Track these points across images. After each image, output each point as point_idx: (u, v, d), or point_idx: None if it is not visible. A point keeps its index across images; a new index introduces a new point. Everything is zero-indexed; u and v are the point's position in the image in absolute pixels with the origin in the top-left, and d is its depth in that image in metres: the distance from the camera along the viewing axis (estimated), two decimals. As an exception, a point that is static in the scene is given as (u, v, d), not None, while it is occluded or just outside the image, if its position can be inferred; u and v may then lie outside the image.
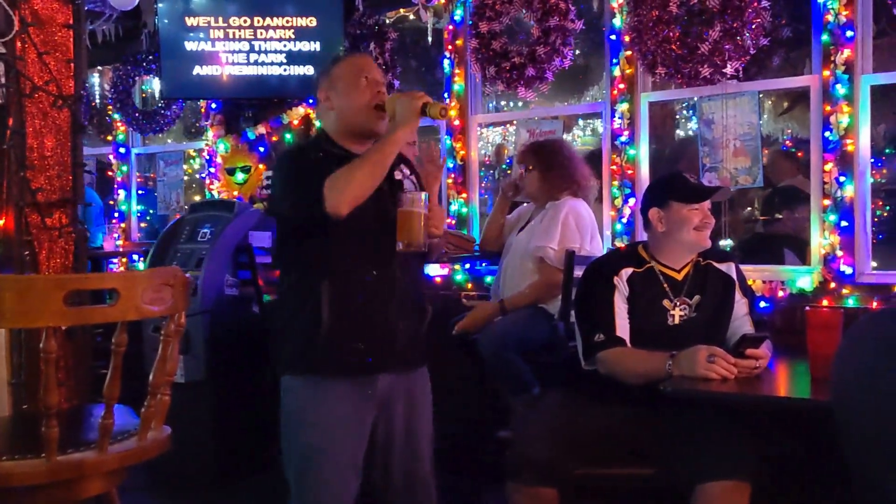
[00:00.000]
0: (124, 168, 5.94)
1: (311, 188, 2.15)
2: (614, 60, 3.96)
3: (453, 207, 4.50)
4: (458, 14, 4.44)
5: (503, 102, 5.16)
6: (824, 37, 3.41)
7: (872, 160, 3.52)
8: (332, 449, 2.25)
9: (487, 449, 3.46)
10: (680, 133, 5.46)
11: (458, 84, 4.48)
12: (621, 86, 3.94)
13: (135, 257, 5.59)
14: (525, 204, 3.84)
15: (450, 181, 4.52)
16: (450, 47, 4.50)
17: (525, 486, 2.43)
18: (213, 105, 5.23)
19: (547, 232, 3.41)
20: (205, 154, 5.37)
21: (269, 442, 4.07)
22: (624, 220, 3.91)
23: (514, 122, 4.67)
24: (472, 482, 3.57)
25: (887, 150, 5.28)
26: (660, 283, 2.63)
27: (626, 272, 2.62)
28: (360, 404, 2.30)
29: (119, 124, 5.84)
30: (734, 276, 2.70)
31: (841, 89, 3.35)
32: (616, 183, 3.94)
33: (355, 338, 2.27)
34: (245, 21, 4.69)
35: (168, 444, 2.10)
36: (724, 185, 3.67)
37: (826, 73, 3.40)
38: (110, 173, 6.08)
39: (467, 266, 4.31)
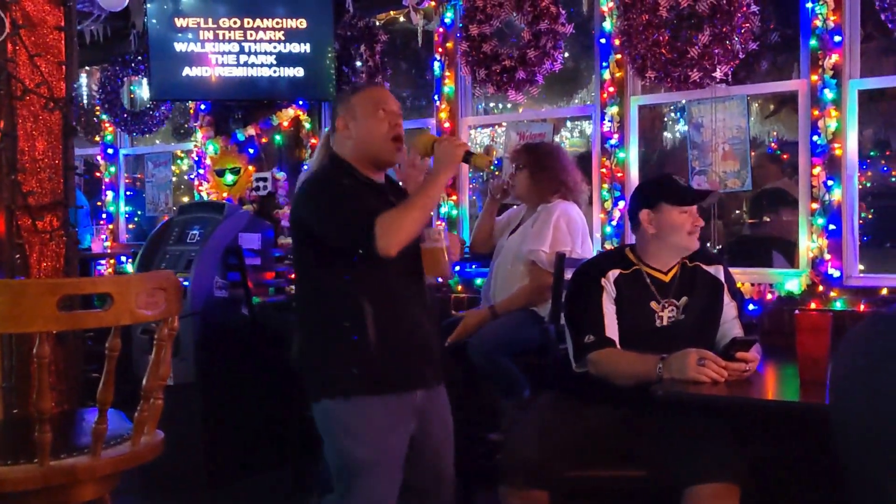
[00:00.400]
0: (112, 169, 5.91)
1: (357, 220, 2.22)
2: (604, 64, 3.98)
3: (443, 209, 4.51)
4: (449, 16, 4.45)
5: (493, 105, 5.17)
6: (812, 41, 3.43)
7: (859, 164, 3.55)
8: (379, 461, 2.31)
9: (478, 451, 3.47)
10: (669, 136, 5.48)
11: (449, 86, 4.48)
12: (611, 89, 3.96)
13: (123, 259, 5.57)
14: (515, 206, 3.85)
15: (440, 183, 4.52)
16: (440, 50, 4.50)
17: (516, 489, 2.44)
18: (203, 106, 5.21)
19: (538, 235, 3.42)
20: (194, 155, 5.35)
21: (259, 444, 4.07)
22: (613, 223, 3.93)
23: (504, 124, 4.68)
24: (464, 485, 3.57)
25: (874, 154, 5.32)
26: (647, 285, 2.64)
27: (613, 274, 2.64)
28: (403, 418, 2.36)
29: (107, 125, 5.81)
30: (722, 278, 2.71)
31: (829, 94, 3.38)
32: (605, 186, 3.96)
33: (401, 355, 2.35)
34: (235, 22, 4.68)
35: (161, 448, 2.10)
36: (713, 188, 3.69)
37: (814, 77, 3.43)
38: (98, 174, 6.05)
39: (457, 268, 4.31)
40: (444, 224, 2.44)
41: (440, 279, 2.39)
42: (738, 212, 4.78)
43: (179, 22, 4.70)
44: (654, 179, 2.86)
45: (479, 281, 4.24)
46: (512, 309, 3.45)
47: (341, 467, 2.35)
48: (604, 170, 3.97)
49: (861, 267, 3.47)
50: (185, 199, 5.63)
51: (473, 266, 4.27)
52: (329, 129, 2.53)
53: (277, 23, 4.66)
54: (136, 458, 1.99)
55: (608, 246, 3.86)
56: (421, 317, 2.41)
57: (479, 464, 3.32)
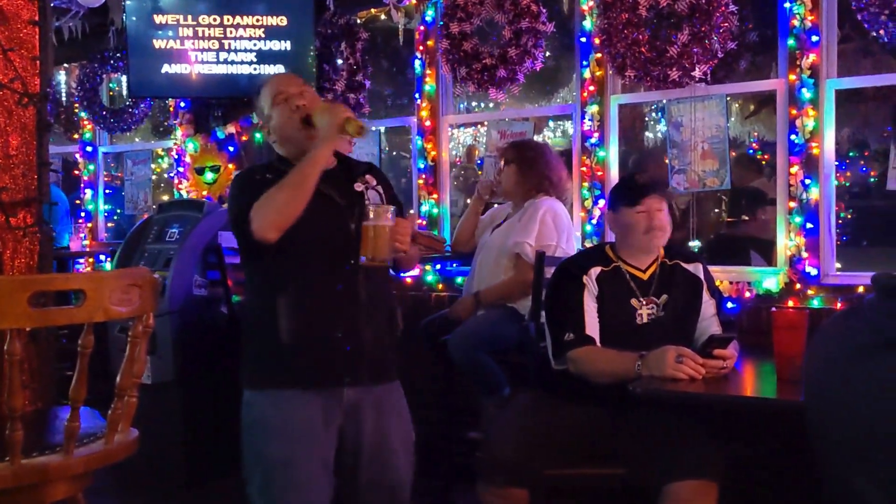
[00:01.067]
0: (91, 167, 5.86)
1: (237, 212, 2.19)
2: (584, 63, 3.98)
3: (424, 208, 4.50)
4: (430, 15, 4.44)
5: (474, 103, 5.17)
6: (790, 41, 3.46)
7: (837, 163, 3.58)
8: (295, 461, 2.22)
9: (458, 450, 3.47)
10: (649, 135, 5.51)
11: (430, 84, 4.48)
12: (591, 88, 3.96)
13: (102, 257, 5.52)
14: (498, 205, 3.85)
15: (421, 181, 4.52)
16: (421, 48, 4.50)
17: (496, 487, 2.44)
18: (182, 104, 5.18)
19: (525, 229, 3.43)
20: (173, 153, 5.31)
21: (238, 444, 4.04)
22: (594, 222, 3.94)
23: (485, 122, 4.68)
24: (443, 483, 3.57)
25: (851, 154, 5.37)
26: (627, 283, 2.65)
27: (595, 271, 2.64)
28: (326, 413, 2.27)
29: (86, 122, 5.76)
30: (702, 276, 2.73)
31: (806, 93, 3.41)
32: (586, 184, 3.96)
33: (317, 350, 2.26)
34: (215, 20, 4.65)
35: (135, 446, 2.08)
36: (692, 187, 3.71)
37: (792, 77, 3.45)
38: (77, 172, 5.99)
39: (438, 266, 4.31)
40: (393, 207, 2.30)
41: (376, 261, 2.21)
42: (717, 210, 4.81)
43: (159, 19, 4.67)
44: (617, 182, 2.91)
45: (459, 280, 4.23)
46: (494, 298, 3.46)
47: (255, 465, 2.28)
48: (584, 168, 3.98)
49: (838, 265, 3.50)
50: (165, 198, 5.59)
51: (454, 264, 4.27)
52: None
53: (258, 20, 4.64)
54: (109, 457, 1.97)
55: (588, 244, 3.87)
56: (349, 311, 2.29)
57: (459, 462, 3.32)
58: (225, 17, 4.65)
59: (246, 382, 2.34)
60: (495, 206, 3.88)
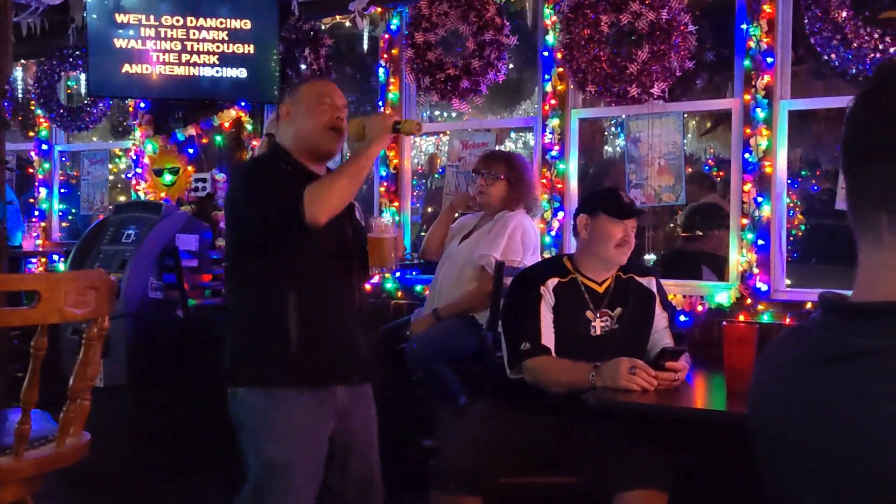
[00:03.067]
0: (46, 165, 5.76)
1: (287, 196, 2.21)
2: (546, 76, 4.03)
3: (385, 216, 4.51)
4: (395, 23, 4.46)
5: (437, 112, 5.19)
6: (746, 62, 3.54)
7: (789, 182, 3.67)
8: (296, 461, 2.28)
9: (413, 458, 3.48)
10: (609, 149, 5.58)
11: (393, 93, 4.49)
12: (553, 101, 4.01)
13: (55, 258, 5.43)
14: (466, 214, 3.88)
15: (382, 189, 4.53)
16: (385, 56, 4.51)
17: (449, 495, 2.46)
18: (142, 104, 5.13)
19: (493, 242, 3.47)
20: (132, 154, 5.25)
21: (191, 448, 4.00)
22: (553, 233, 3.98)
23: (448, 132, 4.70)
24: (397, 490, 3.58)
25: (804, 173, 5.49)
26: (582, 295, 2.70)
27: (552, 282, 2.68)
28: (322, 416, 2.34)
29: (42, 120, 5.67)
30: (655, 289, 2.78)
31: (761, 113, 3.49)
32: (546, 196, 4.01)
33: (323, 350, 2.33)
34: (177, 21, 4.62)
35: (87, 450, 2.06)
36: (648, 202, 3.78)
37: (747, 96, 3.53)
38: (31, 170, 5.88)
39: (397, 274, 4.32)
40: (391, 216, 2.45)
41: (386, 270, 2.38)
42: (671, 225, 4.89)
43: (120, 18, 4.61)
44: (600, 189, 2.96)
45: (419, 287, 4.25)
46: (455, 312, 3.48)
47: (255, 466, 2.31)
48: (544, 180, 4.02)
49: (788, 281, 3.59)
50: (122, 199, 5.50)
51: (414, 273, 4.28)
52: (272, 115, 2.55)
53: (221, 23, 4.61)
54: (60, 460, 1.95)
55: (547, 255, 3.91)
56: (348, 315, 2.40)
57: (413, 470, 3.33)
58: (188, 19, 4.61)
59: (243, 380, 2.34)
60: (464, 215, 3.91)
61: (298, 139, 2.41)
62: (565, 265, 2.76)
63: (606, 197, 2.79)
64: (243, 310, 2.40)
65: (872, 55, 3.18)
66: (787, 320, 3.38)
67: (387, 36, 4.50)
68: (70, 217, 5.86)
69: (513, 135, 5.68)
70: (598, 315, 2.69)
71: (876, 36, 3.18)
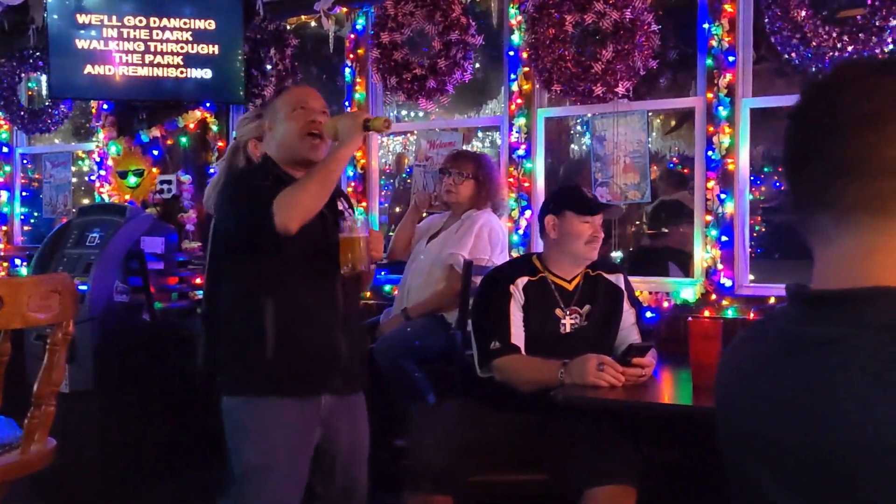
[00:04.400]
0: (7, 168, 5.66)
1: (259, 206, 2.19)
2: (512, 76, 4.05)
3: (358, 216, 4.49)
4: (360, 23, 4.45)
5: (404, 112, 5.20)
6: (708, 61, 3.59)
7: (752, 178, 3.73)
8: (273, 464, 2.26)
9: (384, 458, 3.47)
10: (575, 148, 5.62)
11: (360, 93, 4.49)
12: (519, 101, 4.04)
13: (17, 262, 5.34)
14: (433, 214, 3.89)
15: (350, 189, 4.52)
16: (351, 56, 4.50)
17: (420, 494, 2.47)
18: (105, 106, 5.06)
19: (461, 241, 3.49)
20: (95, 156, 5.18)
21: (159, 453, 3.97)
22: (520, 232, 4.01)
23: (415, 132, 4.71)
24: (369, 491, 3.57)
25: (766, 169, 5.58)
26: (552, 293, 2.72)
27: (522, 281, 2.70)
28: (304, 422, 2.32)
29: (2, 122, 5.57)
30: (623, 286, 2.81)
31: (723, 111, 3.54)
32: (513, 195, 4.03)
33: (300, 357, 2.31)
34: (140, 21, 4.57)
35: (52, 456, 2.04)
36: (614, 199, 3.82)
37: (710, 95, 3.58)
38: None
39: (382, 274, 4.31)
40: (364, 217, 2.41)
41: (356, 271, 2.33)
42: (638, 223, 4.94)
43: (81, 18, 4.55)
44: (563, 188, 2.97)
45: (388, 287, 4.25)
46: (425, 311, 3.49)
47: (236, 466, 2.31)
48: (511, 179, 4.04)
49: (752, 277, 3.64)
50: (86, 201, 5.43)
51: (383, 273, 4.28)
52: (233, 141, 2.56)
53: (185, 23, 4.57)
54: (25, 467, 1.92)
55: (515, 254, 3.93)
56: (329, 320, 2.37)
57: (384, 470, 3.33)
58: (151, 19, 4.57)
59: (226, 388, 2.33)
60: (431, 214, 3.92)
61: (279, 148, 2.41)
62: (534, 264, 2.78)
63: (570, 195, 2.80)
64: (223, 316, 2.38)
65: (831, 54, 3.24)
66: (751, 315, 3.43)
67: (353, 36, 4.49)
68: (32, 221, 5.77)
69: (480, 134, 5.70)
70: (568, 313, 2.71)
71: (834, 35, 3.24)
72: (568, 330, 2.71)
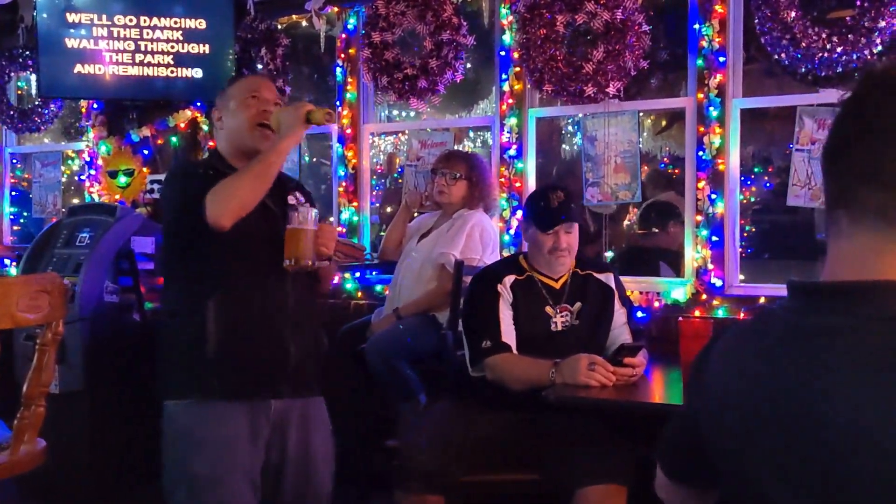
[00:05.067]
0: (-4, 168, 5.64)
1: (191, 199, 2.11)
2: (504, 76, 4.06)
3: (344, 216, 4.50)
4: (352, 23, 4.45)
5: (395, 112, 5.19)
6: (699, 61, 3.60)
7: (742, 179, 3.74)
8: (223, 476, 2.17)
9: (376, 458, 3.48)
10: (566, 148, 5.63)
11: (351, 93, 4.48)
12: (510, 101, 4.04)
13: (7, 262, 5.32)
14: (423, 213, 3.89)
15: (341, 189, 4.52)
16: (342, 56, 4.50)
17: (412, 494, 2.47)
18: (95, 105, 5.04)
19: (452, 241, 3.49)
20: (85, 155, 5.16)
21: (150, 455, 3.95)
22: (512, 232, 4.01)
23: (406, 132, 4.71)
24: (361, 491, 3.58)
25: (757, 170, 5.60)
26: (540, 291, 2.73)
27: (510, 279, 2.71)
28: (254, 426, 2.23)
29: (-9, 122, 5.54)
30: (613, 285, 2.82)
31: (713, 111, 3.55)
32: (504, 195, 4.03)
33: (244, 358, 2.22)
34: (131, 20, 4.55)
35: (42, 457, 2.03)
36: (605, 199, 3.82)
37: (700, 95, 3.59)
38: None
39: (357, 274, 4.31)
40: (316, 210, 2.31)
41: (300, 265, 2.21)
42: (628, 222, 4.95)
43: (71, 17, 4.54)
44: (531, 197, 2.87)
45: (379, 287, 4.24)
46: (417, 311, 3.49)
47: (179, 480, 2.20)
48: (503, 179, 4.04)
49: (742, 277, 3.65)
50: (76, 201, 5.41)
51: (374, 272, 4.28)
52: None
53: (175, 22, 4.56)
54: (15, 468, 1.92)
55: (507, 254, 3.93)
56: (277, 321, 2.26)
57: (376, 470, 3.33)
58: (141, 18, 4.55)
59: (168, 393, 2.25)
60: (422, 214, 3.92)
61: (229, 140, 2.33)
62: (521, 263, 2.79)
63: (533, 206, 2.76)
64: (168, 316, 2.31)
65: (820, 54, 3.26)
66: (742, 315, 3.44)
67: (344, 35, 4.48)
68: (22, 221, 5.74)
69: (471, 134, 5.71)
70: (558, 310, 2.72)
71: (824, 35, 3.25)
72: (559, 328, 2.72)
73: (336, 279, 4.33)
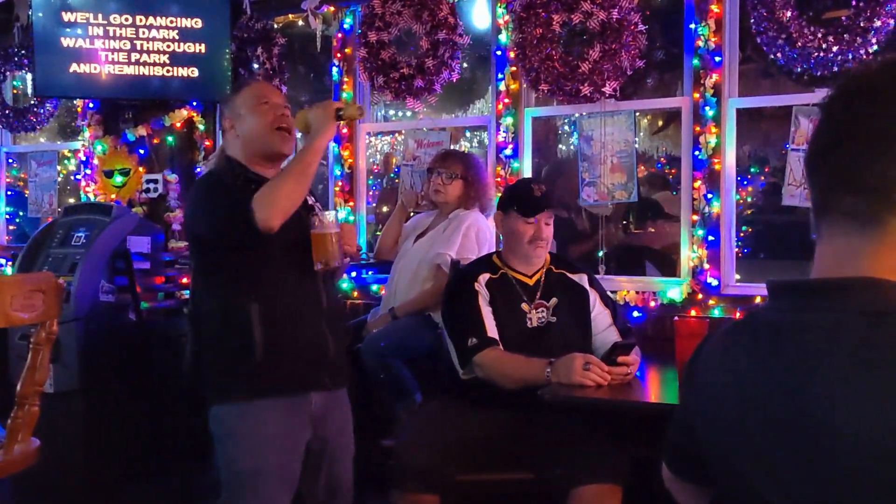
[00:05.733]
0: (-8, 167, 5.63)
1: (235, 207, 2.16)
2: (500, 76, 4.06)
3: (340, 215, 4.49)
4: (348, 22, 4.45)
5: (391, 111, 5.19)
6: (695, 61, 3.60)
7: (738, 178, 3.74)
8: (269, 472, 2.24)
9: (371, 457, 3.47)
10: (562, 147, 5.63)
11: (347, 92, 4.48)
12: (506, 100, 4.04)
13: (2, 261, 5.31)
14: (419, 213, 3.88)
15: (337, 189, 4.52)
16: (339, 55, 4.50)
17: (407, 493, 2.47)
18: (91, 104, 5.03)
19: (449, 240, 3.49)
20: (81, 155, 5.15)
21: (144, 454, 3.95)
22: (507, 231, 4.00)
23: (402, 131, 4.70)
24: (356, 490, 3.57)
25: (753, 169, 5.61)
26: (514, 288, 2.73)
27: (484, 277, 2.73)
28: (296, 424, 2.30)
29: (-14, 121, 5.53)
30: (587, 286, 2.82)
31: (709, 111, 3.55)
32: (500, 195, 4.03)
33: (290, 358, 2.28)
34: (126, 19, 4.54)
35: (36, 457, 2.02)
36: (601, 199, 3.82)
37: (696, 95, 3.59)
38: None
39: (353, 274, 4.31)
40: (335, 212, 2.38)
41: (330, 266, 2.31)
42: (624, 222, 4.95)
43: (67, 16, 4.53)
44: (514, 184, 2.96)
45: (375, 287, 4.24)
46: (412, 311, 3.49)
47: (228, 478, 2.27)
48: (499, 179, 4.04)
49: (738, 276, 3.66)
50: (71, 201, 5.41)
51: (370, 272, 4.28)
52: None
53: (171, 21, 4.55)
54: (8, 467, 1.91)
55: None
56: (315, 317, 2.35)
57: (372, 469, 3.32)
58: (137, 17, 4.54)
59: (217, 398, 2.28)
60: (418, 214, 3.91)
61: (247, 146, 2.36)
62: (494, 261, 2.81)
63: (516, 193, 2.80)
64: (209, 322, 2.34)
65: (816, 54, 3.26)
66: (737, 314, 3.44)
67: (340, 35, 4.48)
68: (17, 220, 5.74)
69: (467, 134, 5.71)
70: (534, 307, 2.73)
71: (819, 35, 3.25)
72: (535, 324, 2.72)
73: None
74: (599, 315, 2.80)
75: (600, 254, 3.91)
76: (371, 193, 4.83)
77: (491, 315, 2.67)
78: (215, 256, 2.30)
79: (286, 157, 2.43)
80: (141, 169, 4.92)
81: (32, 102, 5.20)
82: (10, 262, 5.10)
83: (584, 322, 2.77)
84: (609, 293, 3.00)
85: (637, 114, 3.97)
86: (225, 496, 2.28)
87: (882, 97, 0.92)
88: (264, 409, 2.24)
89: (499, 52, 4.05)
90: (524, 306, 2.72)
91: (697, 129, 3.58)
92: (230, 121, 2.40)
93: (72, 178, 5.57)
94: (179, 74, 4.58)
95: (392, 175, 5.74)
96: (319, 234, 2.29)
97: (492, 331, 2.64)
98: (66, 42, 4.53)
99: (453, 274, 2.94)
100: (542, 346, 2.53)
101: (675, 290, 3.61)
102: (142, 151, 4.92)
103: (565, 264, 2.85)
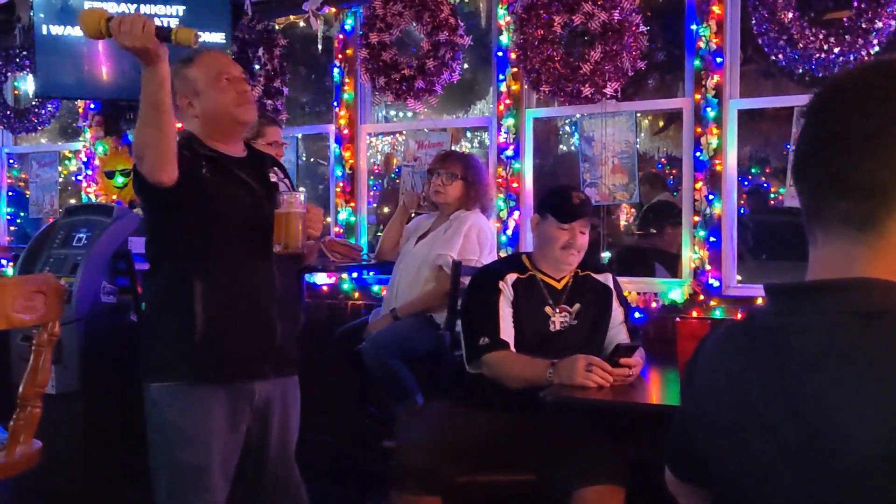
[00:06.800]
0: (-7, 168, 5.63)
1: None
2: (501, 76, 4.06)
3: (341, 216, 4.50)
4: (349, 24, 4.45)
5: (392, 112, 5.20)
6: (696, 62, 3.60)
7: (739, 180, 3.74)
8: (208, 465, 2.18)
9: (372, 458, 3.47)
10: (563, 149, 5.63)
11: (348, 93, 4.48)
12: (507, 101, 4.04)
13: (3, 262, 5.31)
14: (421, 214, 3.89)
15: (338, 189, 4.52)
16: (340, 56, 4.50)
17: (408, 495, 2.47)
18: (92, 105, 5.03)
19: (450, 242, 3.49)
20: (82, 156, 5.15)
21: (144, 454, 3.94)
22: (509, 233, 4.01)
23: (403, 132, 4.70)
24: (357, 491, 3.57)
25: (754, 170, 5.61)
26: (541, 291, 2.72)
27: (511, 277, 2.71)
28: (237, 413, 2.23)
29: (-13, 122, 5.53)
30: (611, 286, 2.82)
31: (711, 112, 3.55)
32: (501, 195, 4.03)
33: (232, 340, 2.20)
34: (127, 20, 4.53)
35: (38, 458, 2.02)
36: (603, 200, 3.83)
37: (697, 96, 3.59)
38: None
39: (354, 275, 4.31)
40: (304, 191, 2.30)
41: (290, 249, 2.19)
42: (626, 223, 4.95)
43: (68, 17, 4.52)
44: (554, 189, 2.94)
45: (376, 288, 4.24)
46: (414, 312, 3.49)
47: (165, 465, 2.21)
48: (500, 180, 4.04)
49: (739, 277, 3.65)
50: (72, 201, 5.40)
51: (371, 273, 4.27)
52: None
53: (172, 22, 4.54)
54: (10, 469, 1.91)
55: (503, 254, 3.93)
56: (265, 301, 2.26)
57: (372, 470, 3.33)
58: (138, 18, 4.53)
59: (152, 376, 2.22)
60: (419, 215, 3.92)
61: (206, 123, 2.27)
62: (524, 262, 2.79)
63: (554, 198, 2.79)
64: (152, 300, 2.29)
65: (817, 55, 3.26)
66: (739, 315, 3.44)
67: (341, 36, 4.48)
68: (18, 221, 5.74)
69: (468, 134, 5.71)
70: (557, 310, 2.72)
71: (821, 36, 3.25)
72: (557, 328, 2.72)
73: (332, 279, 4.33)
74: (613, 312, 2.80)
75: (605, 256, 3.91)
76: (372, 194, 4.83)
77: (510, 316, 2.66)
78: (164, 230, 2.24)
79: (250, 124, 2.38)
80: (142, 170, 4.91)
81: (33, 103, 5.20)
82: (11, 263, 5.10)
83: (604, 325, 2.77)
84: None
85: (638, 115, 3.97)
86: (165, 484, 2.21)
87: (865, 98, 0.91)
88: (206, 396, 2.17)
89: (500, 53, 4.05)
90: (548, 309, 2.71)
91: (698, 130, 3.58)
92: (186, 98, 2.27)
93: (73, 178, 5.57)
94: (181, 75, 4.57)
95: (393, 176, 5.75)
96: (282, 213, 2.17)
97: (505, 333, 2.63)
98: (68, 43, 4.53)
99: (480, 268, 2.92)
100: (560, 349, 2.53)
101: (677, 292, 3.60)
102: (143, 152, 4.91)
103: (590, 266, 2.84)
